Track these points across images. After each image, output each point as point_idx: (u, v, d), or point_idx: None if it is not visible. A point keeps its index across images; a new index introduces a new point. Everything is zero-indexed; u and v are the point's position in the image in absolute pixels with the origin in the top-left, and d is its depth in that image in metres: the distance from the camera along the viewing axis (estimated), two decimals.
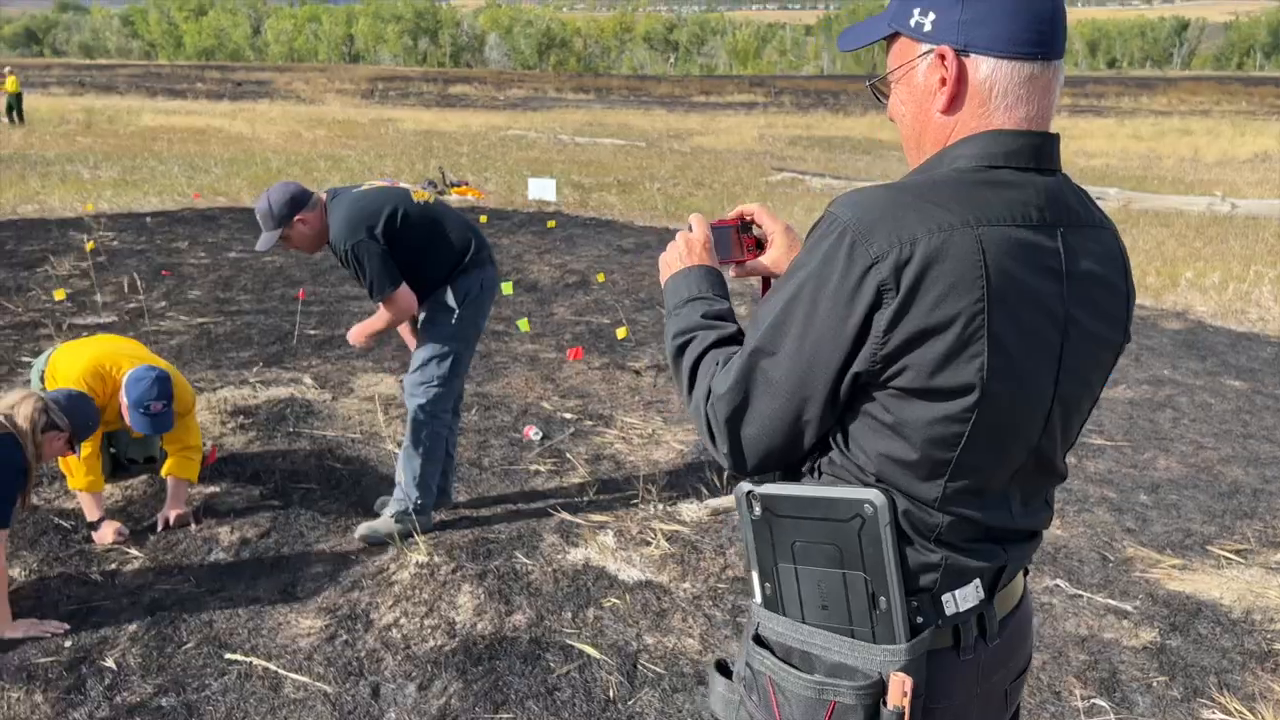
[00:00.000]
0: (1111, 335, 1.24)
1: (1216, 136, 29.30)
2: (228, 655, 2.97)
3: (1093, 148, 26.08)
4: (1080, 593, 3.53)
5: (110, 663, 2.91)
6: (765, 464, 1.23)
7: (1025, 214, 1.14)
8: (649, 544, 3.80)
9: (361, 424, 5.10)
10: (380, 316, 3.61)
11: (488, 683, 2.88)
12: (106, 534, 3.65)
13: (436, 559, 3.60)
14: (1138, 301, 8.47)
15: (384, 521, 3.76)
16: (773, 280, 1.48)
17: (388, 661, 2.98)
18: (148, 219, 11.62)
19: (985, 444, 1.15)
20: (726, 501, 4.18)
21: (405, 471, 3.75)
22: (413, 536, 3.69)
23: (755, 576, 1.27)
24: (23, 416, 3.03)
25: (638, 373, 6.29)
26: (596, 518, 4.04)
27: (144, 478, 4.25)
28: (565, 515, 4.04)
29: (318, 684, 2.85)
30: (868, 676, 1.17)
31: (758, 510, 1.23)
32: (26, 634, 3.00)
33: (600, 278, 8.59)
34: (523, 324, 6.44)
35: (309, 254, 3.91)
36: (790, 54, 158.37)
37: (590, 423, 5.28)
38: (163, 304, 7.60)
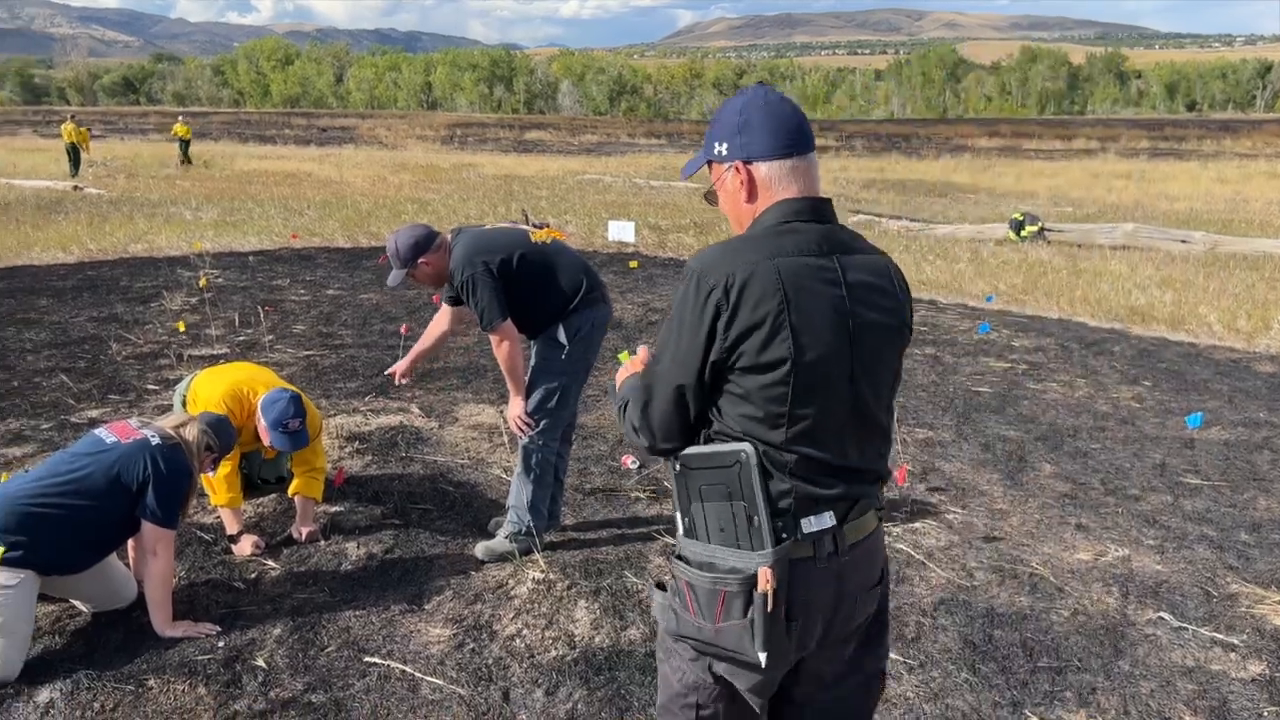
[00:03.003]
0: (889, 321, 1.77)
1: None
2: (367, 658, 3.19)
3: (1176, 190, 25.66)
4: (1185, 625, 3.56)
5: (261, 662, 3.14)
6: (669, 436, 1.77)
7: (809, 248, 1.72)
8: None
9: (468, 450, 5.33)
10: (430, 335, 4.19)
11: (610, 690, 3.04)
12: (245, 546, 3.92)
13: (552, 575, 3.78)
14: (1229, 344, 8.38)
15: (499, 541, 3.97)
16: None
17: (514, 668, 3.16)
18: (250, 258, 12.19)
19: (806, 399, 1.68)
20: None
21: (517, 495, 3.95)
22: (531, 553, 3.89)
23: (678, 515, 1.80)
24: (190, 434, 3.33)
25: None
26: None
27: (274, 496, 4.53)
28: (669, 539, 4.19)
29: (452, 687, 3.04)
30: (746, 572, 1.67)
31: (677, 467, 1.77)
32: (185, 634, 3.26)
33: None
34: (623, 356, 6.63)
35: (435, 288, 4.14)
36: (860, 98, 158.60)
37: None
38: (270, 338, 8.00)
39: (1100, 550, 4.25)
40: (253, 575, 3.76)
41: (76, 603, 3.41)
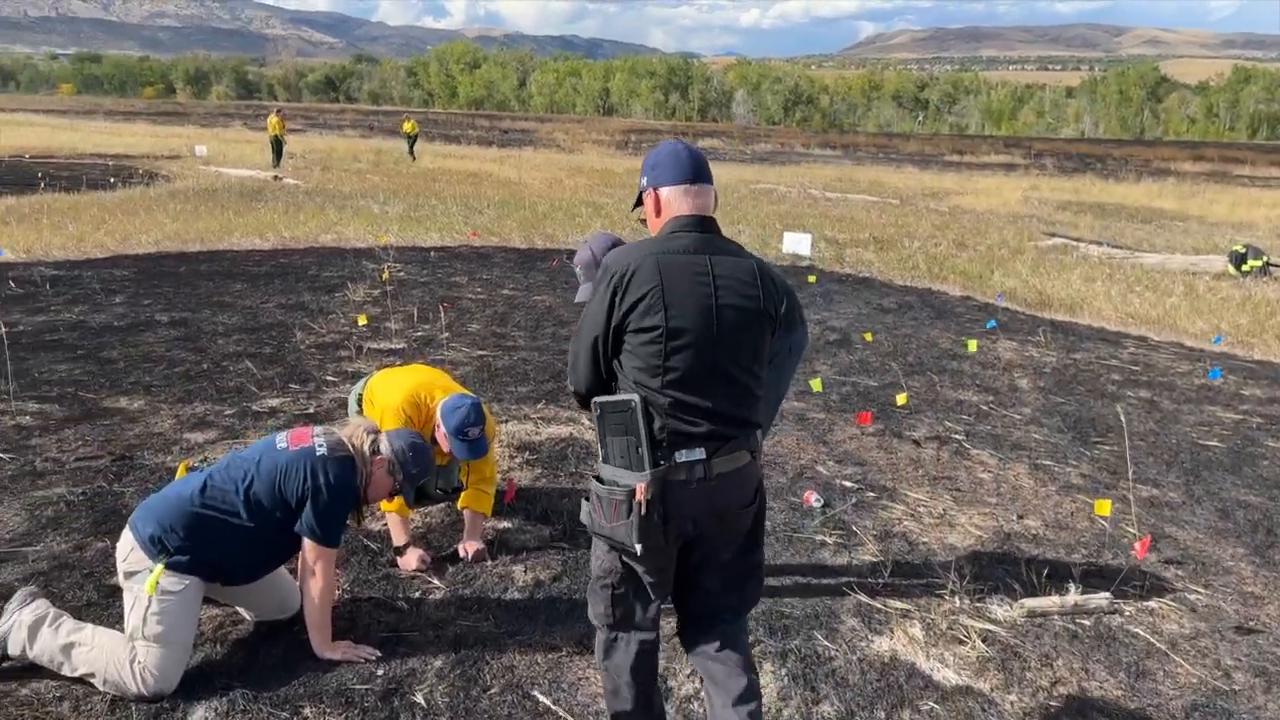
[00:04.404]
0: (748, 306, 2.32)
1: None
2: (534, 696, 2.90)
3: None
4: None
5: (420, 699, 2.90)
6: (588, 383, 2.36)
7: (687, 248, 2.31)
8: (962, 642, 3.43)
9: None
10: None
11: None
12: (411, 560, 3.72)
13: None
14: None
15: None
16: None
17: None
18: (430, 253, 12.39)
19: (675, 355, 2.24)
20: (1046, 603, 3.73)
21: None
22: None
23: (599, 446, 2.34)
24: (386, 450, 3.14)
25: (917, 443, 5.90)
26: (896, 604, 3.72)
27: (443, 507, 4.34)
28: (862, 597, 3.74)
29: None
30: (631, 486, 2.22)
31: (597, 411, 2.30)
32: (344, 657, 3.06)
33: (868, 337, 8.24)
34: (815, 384, 6.21)
35: None
36: (1048, 115, 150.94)
37: (873, 494, 4.96)
38: (445, 335, 7.97)
39: None
40: (416, 595, 3.55)
41: (240, 610, 3.28)
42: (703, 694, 2.63)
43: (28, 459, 4.73)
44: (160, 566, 2.78)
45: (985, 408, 6.80)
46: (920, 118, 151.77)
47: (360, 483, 3.08)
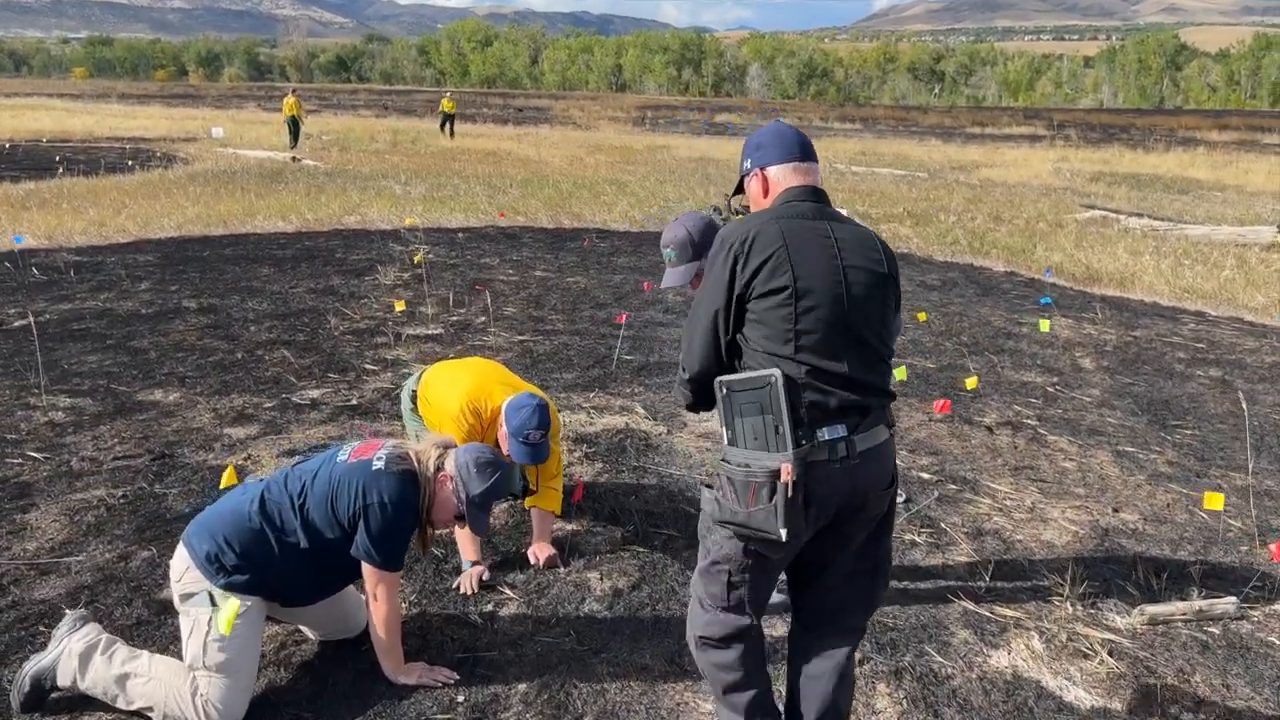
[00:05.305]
0: (874, 268, 2.27)
1: None
2: None
3: None
4: None
5: None
6: (705, 361, 2.25)
7: (804, 213, 2.27)
8: (1086, 656, 3.14)
9: (704, 464, 4.75)
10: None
11: None
12: (465, 582, 3.41)
13: None
14: None
15: None
16: None
17: None
18: (458, 234, 12.10)
19: (806, 317, 2.16)
20: (1169, 609, 3.43)
21: None
22: None
23: (723, 430, 2.19)
24: (451, 467, 2.79)
25: (990, 430, 5.59)
26: (1005, 612, 3.43)
27: (506, 508, 4.06)
28: (968, 604, 3.45)
29: None
30: (772, 467, 2.09)
31: (723, 391, 2.18)
32: (420, 681, 2.79)
33: (921, 317, 7.91)
34: (900, 373, 5.89)
35: None
36: (1066, 86, 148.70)
37: (954, 487, 4.67)
38: (482, 319, 7.69)
39: None
40: (489, 607, 3.28)
41: (304, 629, 3.02)
42: (784, 699, 2.47)
43: (63, 458, 4.48)
44: (235, 602, 2.50)
45: (1052, 390, 6.49)
46: (936, 90, 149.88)
47: (422, 502, 2.74)
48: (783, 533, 2.07)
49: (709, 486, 2.24)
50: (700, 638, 2.33)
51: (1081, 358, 7.42)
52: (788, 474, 2.05)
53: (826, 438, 2.11)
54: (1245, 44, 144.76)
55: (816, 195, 2.31)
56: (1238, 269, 11.46)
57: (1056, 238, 13.44)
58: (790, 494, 2.05)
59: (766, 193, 2.37)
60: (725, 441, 2.20)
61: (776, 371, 2.09)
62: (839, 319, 2.16)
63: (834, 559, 2.31)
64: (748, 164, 2.43)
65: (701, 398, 2.33)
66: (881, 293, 2.25)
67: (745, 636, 2.29)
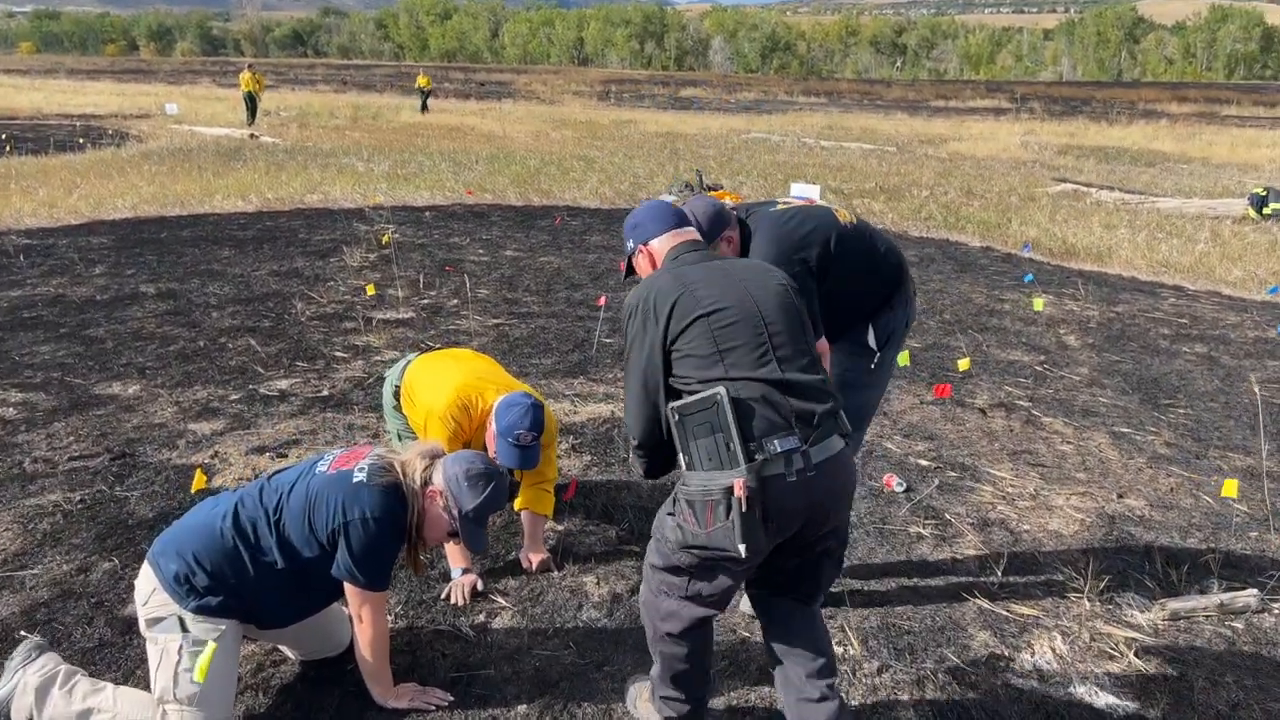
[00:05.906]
0: (778, 283, 2.35)
1: None
2: None
3: None
4: None
5: None
6: (642, 426, 2.30)
7: (693, 260, 2.38)
8: (1112, 657, 3.00)
9: None
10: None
11: None
12: (455, 593, 3.19)
13: (852, 649, 2.95)
14: None
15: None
16: None
17: None
18: (425, 213, 11.77)
19: (726, 334, 2.20)
20: (1190, 604, 3.31)
21: None
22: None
23: (681, 456, 2.20)
24: (440, 480, 2.53)
25: (983, 412, 5.46)
26: (1021, 610, 3.28)
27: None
28: (983, 602, 3.30)
29: None
30: (726, 484, 2.08)
31: (675, 417, 2.18)
32: (412, 704, 2.57)
33: None
34: (903, 358, 5.72)
35: None
36: (1026, 59, 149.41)
37: (954, 474, 4.52)
38: (454, 302, 7.43)
39: None
40: (481, 617, 3.07)
41: (283, 648, 2.79)
42: (774, 671, 2.38)
43: (15, 459, 4.20)
44: (212, 645, 2.27)
45: (1040, 369, 6.37)
46: (898, 63, 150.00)
47: (410, 519, 2.50)
48: (741, 549, 2.05)
49: (671, 515, 2.22)
50: (666, 635, 2.35)
51: (1066, 335, 7.32)
52: (740, 489, 2.02)
53: (779, 449, 2.08)
54: (1201, 16, 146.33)
55: (698, 246, 2.45)
56: (1212, 242, 11.45)
57: (1030, 211, 13.37)
58: (746, 509, 2.03)
59: (654, 265, 2.47)
60: (684, 467, 2.18)
61: (720, 389, 2.09)
62: (757, 327, 2.20)
63: (795, 551, 2.29)
64: (630, 244, 2.53)
65: (656, 461, 2.34)
66: (791, 301, 2.30)
67: (705, 625, 2.35)
